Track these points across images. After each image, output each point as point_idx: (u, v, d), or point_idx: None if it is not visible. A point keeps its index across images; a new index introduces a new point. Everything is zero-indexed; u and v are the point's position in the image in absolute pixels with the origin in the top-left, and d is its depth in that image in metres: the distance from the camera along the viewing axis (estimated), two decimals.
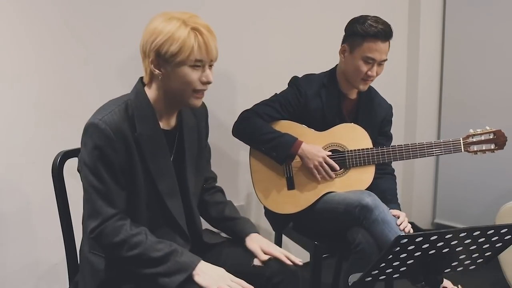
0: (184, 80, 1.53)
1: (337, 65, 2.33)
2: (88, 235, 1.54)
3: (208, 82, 1.57)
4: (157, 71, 1.54)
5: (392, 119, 2.44)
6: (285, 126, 2.25)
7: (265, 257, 1.67)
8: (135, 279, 1.55)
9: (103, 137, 1.49)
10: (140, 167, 1.56)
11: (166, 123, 1.65)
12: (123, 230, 1.51)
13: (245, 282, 1.52)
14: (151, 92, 1.59)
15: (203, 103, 1.79)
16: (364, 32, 2.15)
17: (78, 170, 1.62)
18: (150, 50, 1.51)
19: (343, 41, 2.27)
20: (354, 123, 2.29)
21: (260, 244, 1.71)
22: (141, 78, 1.62)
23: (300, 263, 1.68)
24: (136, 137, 1.54)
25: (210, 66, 1.57)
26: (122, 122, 1.52)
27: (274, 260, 1.67)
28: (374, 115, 2.35)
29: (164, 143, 1.61)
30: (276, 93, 2.32)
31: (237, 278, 1.53)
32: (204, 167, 1.82)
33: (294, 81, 2.32)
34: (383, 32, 2.14)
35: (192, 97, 1.57)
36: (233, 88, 2.76)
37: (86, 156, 1.52)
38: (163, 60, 1.51)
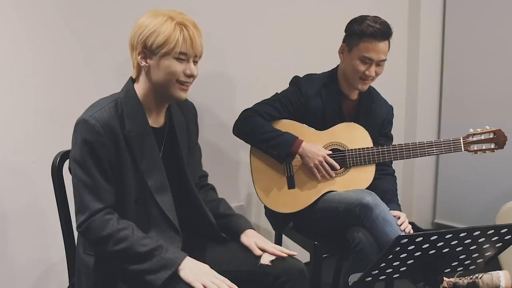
0: (168, 71, 1.57)
1: (338, 65, 2.33)
2: (76, 230, 1.56)
3: (192, 75, 1.61)
4: (143, 63, 1.58)
5: (393, 120, 2.44)
6: (286, 125, 2.25)
7: (260, 252, 1.70)
8: (129, 279, 1.55)
9: (93, 133, 1.51)
10: (130, 163, 1.58)
11: (155, 121, 1.68)
12: (109, 224, 1.52)
13: (228, 281, 1.53)
14: (139, 87, 1.63)
15: (191, 102, 1.82)
16: (361, 32, 2.15)
17: (69, 168, 1.63)
18: (137, 42, 1.57)
19: (343, 41, 2.27)
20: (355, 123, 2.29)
21: (255, 240, 1.73)
22: (131, 77, 1.66)
23: (295, 254, 1.72)
24: (125, 134, 1.56)
25: (195, 62, 1.62)
26: (112, 119, 1.55)
27: (282, 259, 1.69)
28: (375, 116, 2.34)
29: (153, 140, 1.63)
30: (277, 92, 2.32)
31: (221, 276, 1.54)
32: (196, 165, 1.84)
33: (295, 80, 2.32)
34: (380, 31, 2.14)
35: (177, 88, 1.60)
36: (234, 87, 2.76)
37: (75, 151, 1.54)
38: (149, 51, 1.56)
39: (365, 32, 2.14)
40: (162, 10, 1.59)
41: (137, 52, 1.58)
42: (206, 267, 1.56)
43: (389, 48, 2.21)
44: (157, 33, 1.53)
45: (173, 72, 1.57)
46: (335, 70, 2.34)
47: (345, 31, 2.26)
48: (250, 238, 1.74)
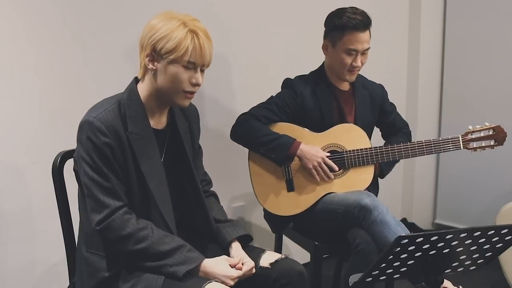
0: (174, 79, 1.56)
1: (324, 61, 2.34)
2: (93, 228, 1.54)
3: (197, 84, 1.59)
4: (150, 65, 1.57)
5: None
6: (283, 128, 2.25)
7: (239, 265, 1.64)
8: (134, 278, 1.55)
9: (99, 134, 1.51)
10: (133, 165, 1.57)
11: (157, 122, 1.67)
12: (129, 223, 1.53)
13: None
14: (143, 88, 1.62)
15: (193, 105, 1.81)
16: (343, 25, 2.18)
17: (74, 170, 1.62)
18: (147, 44, 1.55)
19: (324, 37, 2.29)
20: (354, 112, 2.31)
21: (239, 254, 1.70)
22: (135, 78, 1.65)
23: None
24: (127, 135, 1.55)
25: (202, 70, 1.60)
26: (116, 120, 1.54)
27: (281, 261, 1.69)
28: (371, 99, 2.37)
29: (154, 142, 1.62)
30: (272, 95, 2.31)
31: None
32: (198, 168, 1.83)
33: (288, 82, 2.32)
34: (361, 22, 2.17)
35: (180, 96, 1.59)
36: (233, 89, 2.76)
37: (83, 152, 1.53)
38: (158, 55, 1.55)
39: (347, 25, 2.17)
40: (176, 14, 1.57)
41: (145, 54, 1.56)
42: (227, 268, 1.58)
43: (370, 36, 2.22)
44: (168, 38, 1.52)
45: (179, 80, 1.55)
46: (321, 67, 2.35)
47: (325, 26, 2.28)
48: (235, 253, 1.71)
